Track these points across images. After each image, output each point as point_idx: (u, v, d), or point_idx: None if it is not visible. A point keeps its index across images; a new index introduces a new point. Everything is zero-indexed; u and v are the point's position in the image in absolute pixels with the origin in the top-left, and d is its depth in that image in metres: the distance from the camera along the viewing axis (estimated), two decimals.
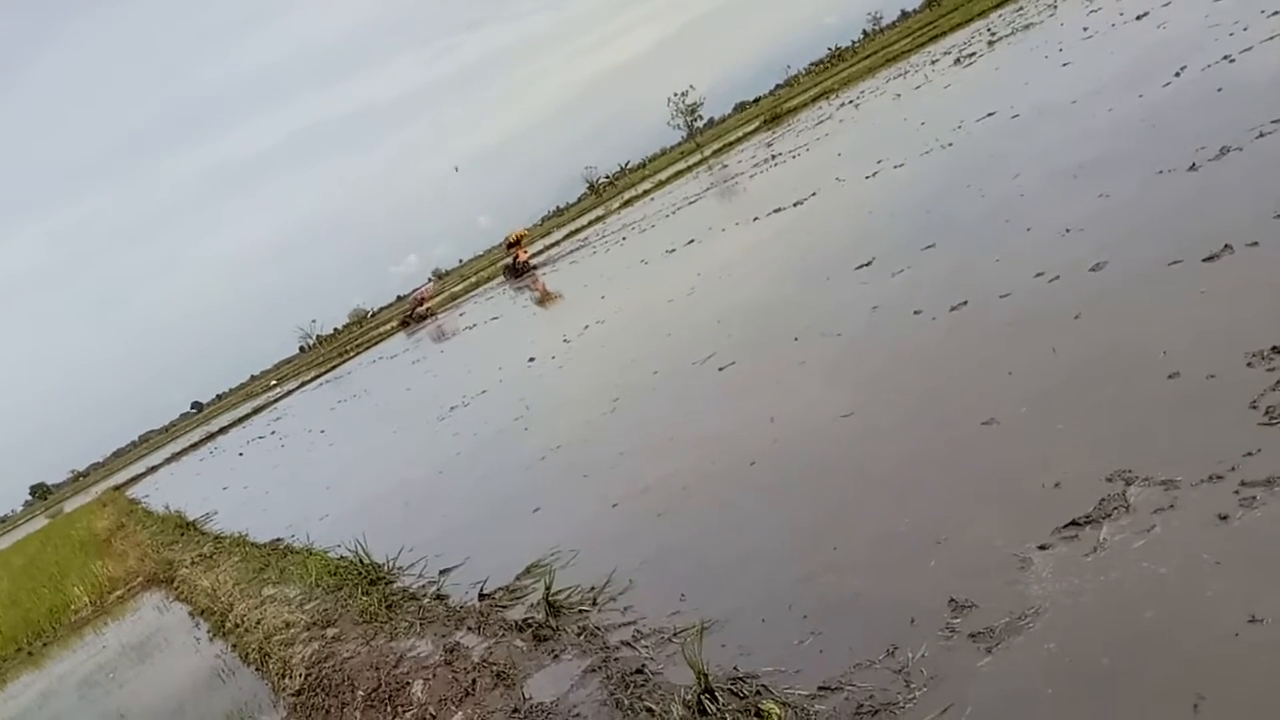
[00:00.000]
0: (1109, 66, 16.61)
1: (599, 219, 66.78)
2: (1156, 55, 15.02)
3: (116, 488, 64.88)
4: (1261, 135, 8.71)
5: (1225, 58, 12.25)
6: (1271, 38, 11.99)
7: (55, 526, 59.09)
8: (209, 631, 12.11)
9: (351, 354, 71.70)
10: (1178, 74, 12.88)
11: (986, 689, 3.87)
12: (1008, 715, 3.69)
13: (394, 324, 68.82)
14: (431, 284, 73.19)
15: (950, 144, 17.62)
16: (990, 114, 18.50)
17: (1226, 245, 6.71)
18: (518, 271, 52.91)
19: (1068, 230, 9.01)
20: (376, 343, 68.69)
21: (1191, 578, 3.86)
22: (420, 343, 43.76)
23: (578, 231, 65.82)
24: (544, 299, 32.80)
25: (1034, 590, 4.27)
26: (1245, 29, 13.22)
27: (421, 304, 64.60)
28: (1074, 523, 4.56)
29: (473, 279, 78.52)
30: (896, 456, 6.42)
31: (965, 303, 8.57)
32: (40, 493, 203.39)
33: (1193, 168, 8.85)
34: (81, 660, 14.70)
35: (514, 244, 56.54)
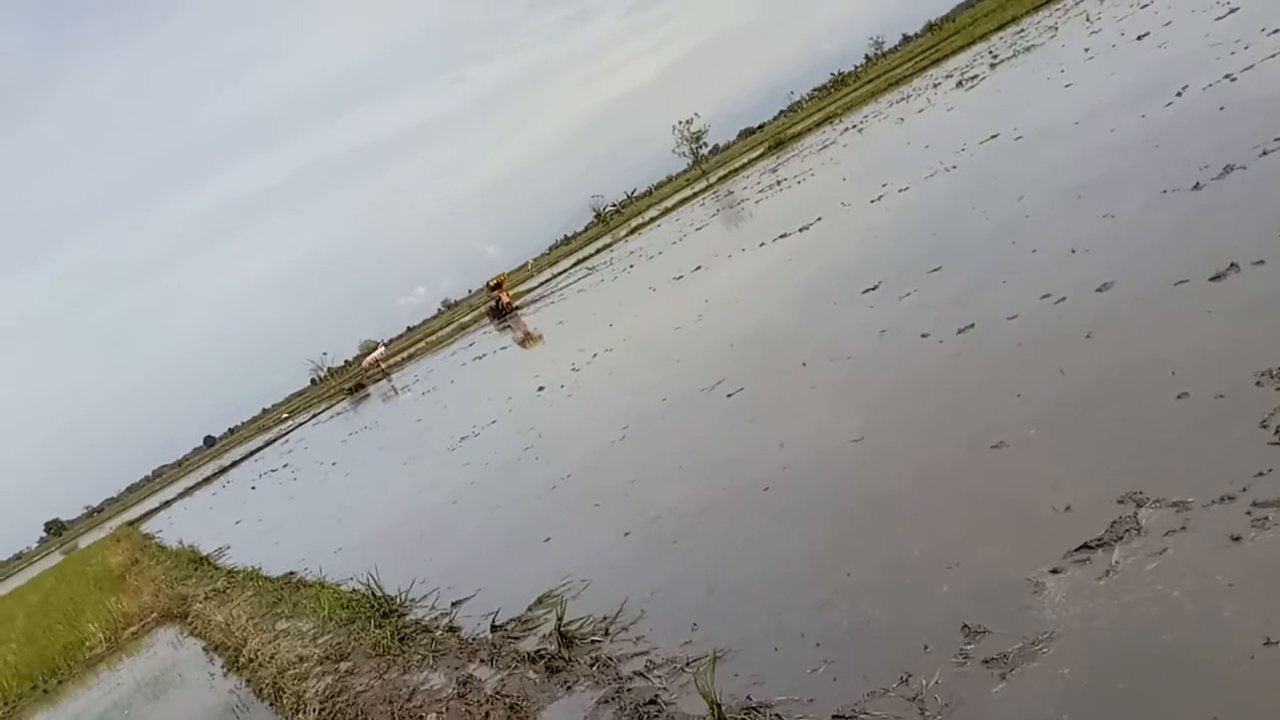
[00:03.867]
0: (1111, 87, 16.66)
1: (606, 247, 67.07)
2: (1158, 75, 15.07)
3: (130, 523, 64.96)
4: (1265, 153, 8.73)
5: (1227, 76, 12.29)
6: (1273, 55, 12.03)
7: (70, 563, 59.21)
8: (223, 667, 12.09)
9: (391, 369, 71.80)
10: (1179, 93, 12.92)
11: (1002, 715, 3.85)
12: None
13: (346, 389, 70.27)
14: (383, 349, 75.16)
15: (954, 166, 17.67)
16: (994, 136, 18.57)
17: (1233, 264, 6.72)
18: (501, 313, 54.89)
19: (1073, 251, 9.02)
20: (386, 375, 68.85)
21: (1205, 600, 3.84)
22: (368, 404, 44.79)
23: (585, 260, 66.05)
24: (526, 340, 33.28)
25: (1047, 614, 4.25)
26: (1246, 47, 13.28)
27: (377, 366, 66.04)
28: (1086, 546, 4.54)
29: (481, 307, 78.94)
30: (907, 481, 6.40)
31: (973, 325, 8.58)
32: (55, 529, 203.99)
33: (1197, 187, 8.87)
34: (97, 698, 14.67)
35: (495, 287, 59.26)
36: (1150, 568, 4.19)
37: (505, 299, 56.66)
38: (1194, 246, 7.53)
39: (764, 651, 5.25)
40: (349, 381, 68.53)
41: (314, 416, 70.31)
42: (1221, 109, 11.04)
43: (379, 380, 61.72)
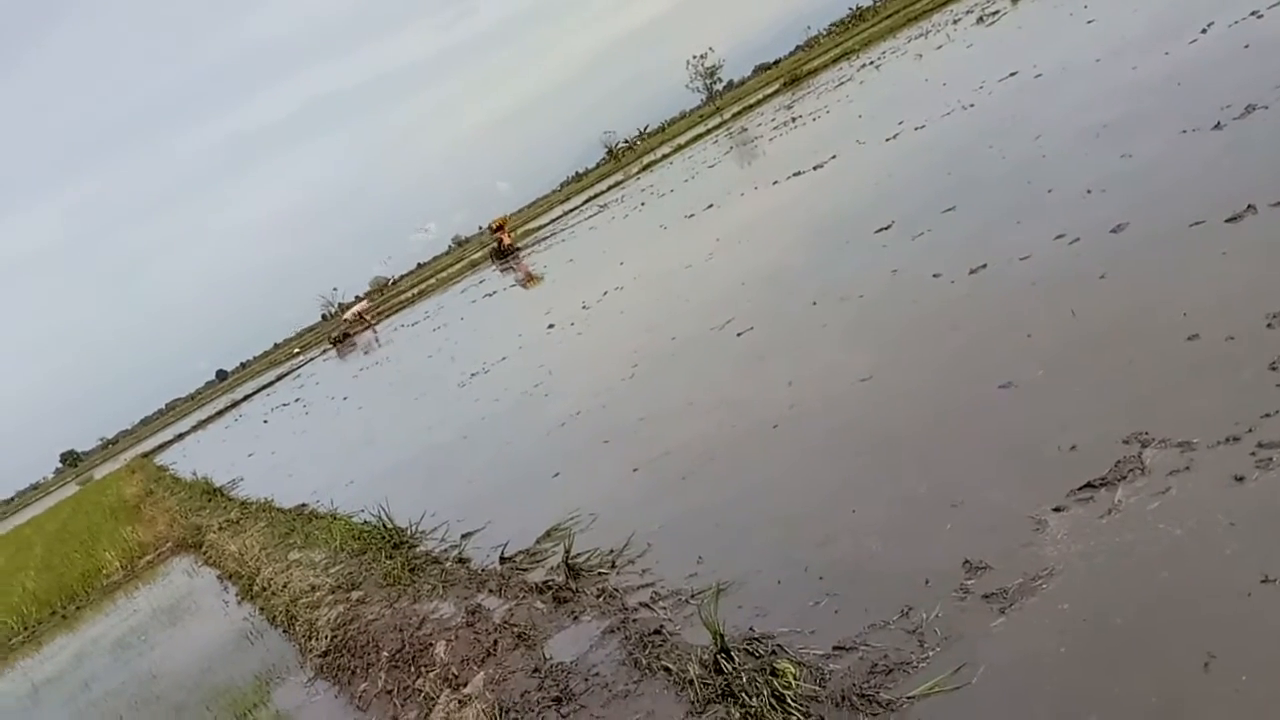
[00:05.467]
0: (1134, 24, 16.33)
1: (618, 184, 66.60)
2: (1183, 11, 14.75)
3: (145, 455, 65.76)
4: None
5: (1253, 13, 12.02)
6: None
7: (86, 493, 60.12)
8: (237, 595, 12.33)
9: (374, 321, 72.14)
10: (1204, 30, 12.66)
11: (999, 648, 3.91)
12: (1020, 674, 3.73)
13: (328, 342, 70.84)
14: (366, 302, 75.67)
15: (972, 105, 17.42)
16: (1013, 74, 18.26)
17: (1250, 205, 6.64)
18: (503, 254, 56.09)
19: (1089, 191, 8.92)
20: (397, 311, 69.03)
21: (1206, 539, 3.87)
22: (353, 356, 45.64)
23: (596, 197, 65.66)
24: (527, 280, 33.99)
25: (1048, 552, 4.29)
26: None
27: (361, 319, 66.49)
28: (1089, 485, 4.57)
29: (485, 249, 79.03)
30: (914, 420, 6.42)
31: (985, 265, 8.53)
32: (71, 460, 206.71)
33: (1218, 126, 8.73)
34: (114, 623, 15.01)
35: (498, 229, 60.33)
36: (1152, 507, 4.21)
37: (507, 240, 57.89)
38: (1212, 187, 7.44)
39: (768, 585, 5.32)
40: (335, 331, 69.18)
41: (324, 351, 70.63)
42: (1246, 47, 10.82)
43: (363, 331, 62.43)
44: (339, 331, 66.87)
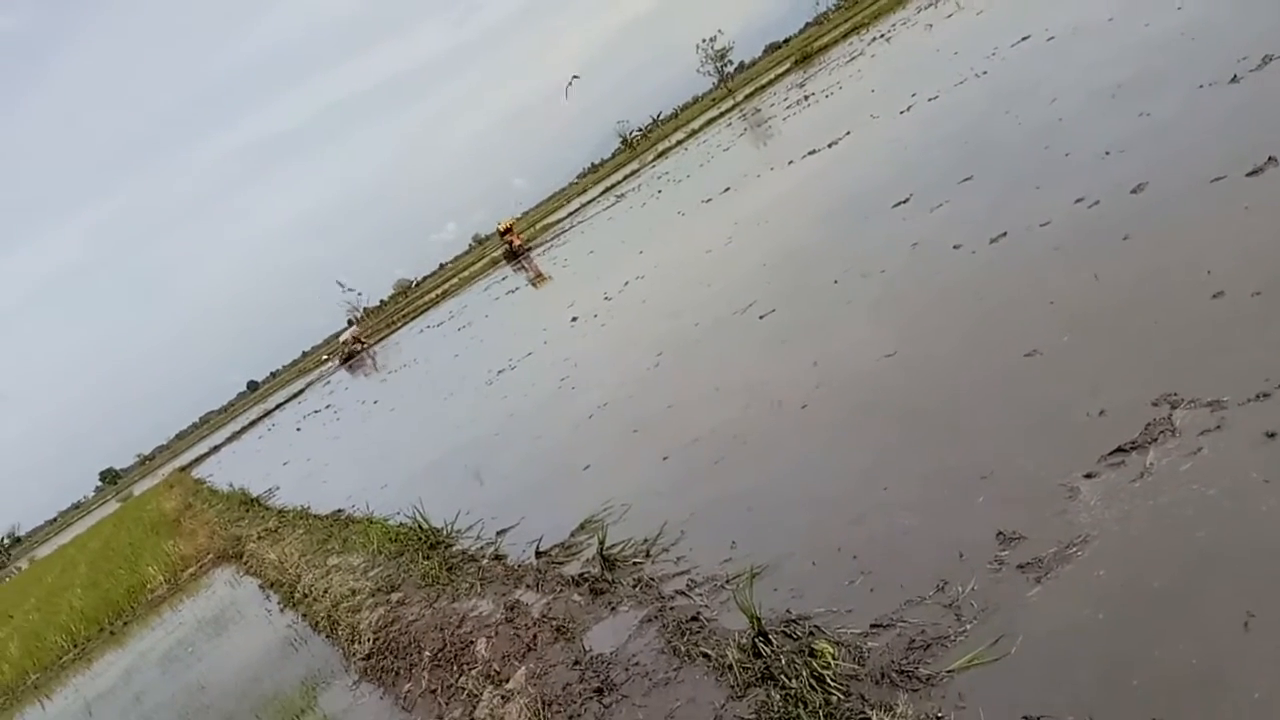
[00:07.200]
0: None
1: (634, 173, 66.51)
2: None
3: (182, 469, 66.55)
4: None
5: None
6: None
7: (127, 509, 61.02)
8: (279, 603, 12.48)
9: (399, 325, 72.54)
10: None
11: (1037, 618, 3.90)
12: (1059, 642, 3.72)
13: (335, 362, 72.33)
14: (356, 327, 76.88)
15: (985, 72, 17.25)
16: (1025, 38, 18.07)
17: (1271, 158, 6.55)
18: (515, 255, 58.24)
19: (1107, 153, 8.83)
20: (422, 312, 69.40)
21: (1240, 497, 3.84)
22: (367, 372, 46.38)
23: (613, 187, 65.61)
24: (537, 279, 35.04)
25: (1082, 519, 4.27)
26: None
27: (358, 341, 68.37)
28: (1120, 449, 4.54)
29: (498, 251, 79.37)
30: (941, 393, 6.40)
31: (1005, 234, 8.47)
32: (110, 478, 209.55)
33: (1234, 80, 8.61)
34: (161, 637, 15.23)
35: (506, 232, 63.10)
36: (1185, 468, 4.18)
37: (517, 242, 60.34)
38: (1231, 141, 7.35)
39: (802, 566, 5.33)
40: (336, 355, 70.63)
41: (334, 371, 71.21)
42: None
43: (362, 353, 64.23)
44: (343, 353, 68.35)
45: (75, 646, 18.90)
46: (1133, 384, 5.01)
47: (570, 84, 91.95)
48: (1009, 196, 9.45)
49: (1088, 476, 4.51)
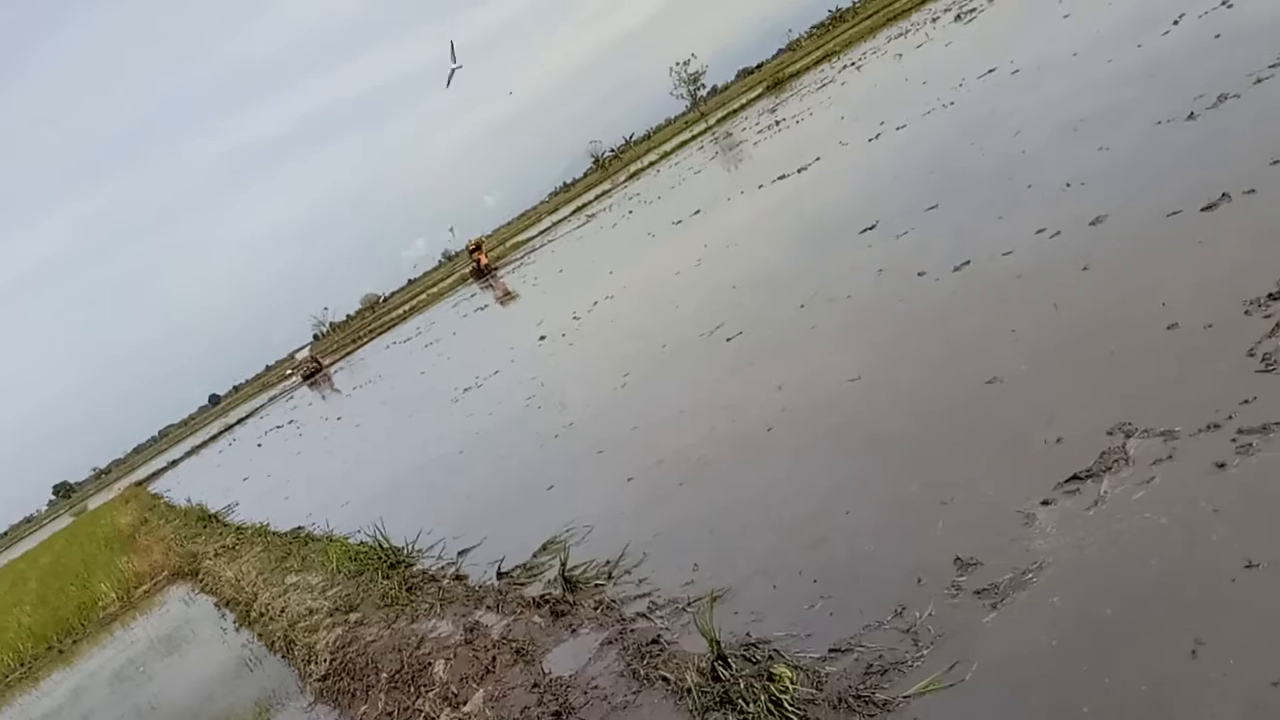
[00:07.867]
0: (1109, 17, 16.45)
1: (605, 193, 66.73)
2: (1155, 3, 14.84)
3: (138, 483, 65.50)
4: (1259, 81, 8.65)
5: (1224, 3, 12.13)
6: None
7: (80, 524, 59.88)
8: (235, 621, 12.30)
9: (365, 340, 72.09)
10: (1176, 22, 12.76)
11: (992, 644, 3.94)
12: (1013, 669, 3.76)
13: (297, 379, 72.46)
14: (307, 351, 77.10)
15: (952, 103, 17.51)
16: (991, 70, 18.38)
17: (1224, 194, 6.70)
18: (481, 273, 57.99)
19: (1068, 185, 8.99)
20: (390, 328, 69.01)
21: (1190, 526, 3.91)
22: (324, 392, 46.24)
23: (584, 207, 65.78)
24: (504, 298, 35.45)
25: (1038, 545, 4.33)
26: None
27: (314, 361, 68.46)
28: (1076, 477, 4.61)
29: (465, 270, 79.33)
30: (903, 419, 6.46)
31: (968, 262, 8.58)
32: (64, 491, 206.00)
33: (1191, 117, 8.81)
34: (111, 655, 14.94)
35: (475, 249, 62.46)
36: (1138, 496, 4.25)
37: (484, 260, 60.08)
38: (1187, 177, 7.51)
39: (763, 590, 5.35)
40: (300, 371, 70.54)
41: (297, 387, 70.70)
42: (1217, 36, 10.92)
43: (320, 371, 64.11)
44: (305, 370, 68.12)
45: (22, 665, 18.47)
46: (1089, 412, 5.09)
47: (452, 73, 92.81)
48: (973, 225, 9.58)
49: (1044, 503, 4.57)
